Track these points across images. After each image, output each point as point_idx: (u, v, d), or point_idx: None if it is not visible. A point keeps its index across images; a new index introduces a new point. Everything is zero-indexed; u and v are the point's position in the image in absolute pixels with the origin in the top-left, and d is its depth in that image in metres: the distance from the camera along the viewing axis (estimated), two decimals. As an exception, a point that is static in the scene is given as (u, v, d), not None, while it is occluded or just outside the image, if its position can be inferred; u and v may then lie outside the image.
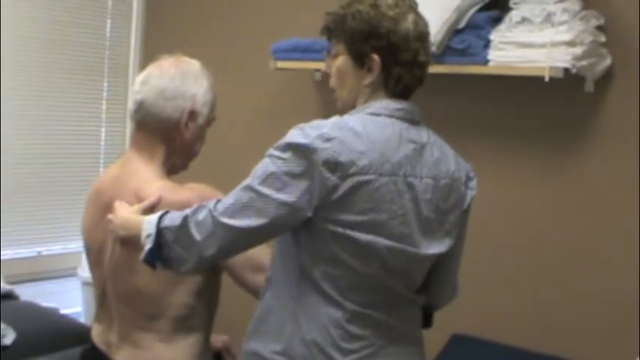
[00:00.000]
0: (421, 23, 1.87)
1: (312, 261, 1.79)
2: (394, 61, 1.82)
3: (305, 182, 1.71)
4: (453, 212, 1.91)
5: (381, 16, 1.82)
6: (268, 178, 1.72)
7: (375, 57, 1.82)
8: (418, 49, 1.84)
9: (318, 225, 1.75)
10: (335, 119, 1.79)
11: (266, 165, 1.74)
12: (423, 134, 1.87)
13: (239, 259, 1.98)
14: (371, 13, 1.82)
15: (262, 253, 1.97)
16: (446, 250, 1.91)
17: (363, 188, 1.73)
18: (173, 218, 1.80)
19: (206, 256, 1.77)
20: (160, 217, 1.81)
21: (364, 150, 1.73)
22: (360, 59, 1.84)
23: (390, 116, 1.82)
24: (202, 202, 1.91)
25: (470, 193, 1.95)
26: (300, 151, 1.71)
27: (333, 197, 1.72)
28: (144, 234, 1.81)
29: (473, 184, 1.97)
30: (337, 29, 1.88)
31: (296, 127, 1.78)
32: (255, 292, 2.04)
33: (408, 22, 1.83)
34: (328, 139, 1.71)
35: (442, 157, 1.89)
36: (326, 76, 1.93)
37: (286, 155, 1.72)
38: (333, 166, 1.71)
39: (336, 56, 1.89)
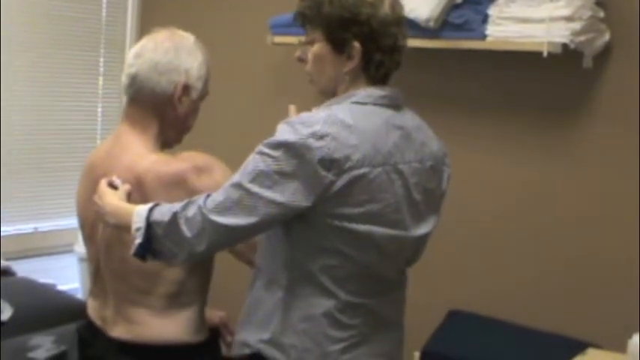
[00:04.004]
0: (397, 7, 1.86)
1: (309, 254, 1.80)
2: (375, 47, 1.81)
3: (296, 181, 1.70)
4: (436, 191, 1.93)
5: (360, 3, 1.79)
6: (258, 177, 1.71)
7: (356, 44, 1.80)
8: (397, 33, 1.83)
9: (315, 219, 1.76)
10: (324, 113, 1.76)
11: (256, 162, 1.72)
12: (407, 118, 1.88)
13: None
14: None
15: None
16: (431, 228, 1.93)
17: (359, 182, 1.73)
18: (163, 212, 1.78)
19: (196, 252, 1.77)
20: (150, 210, 1.80)
21: (357, 143, 1.73)
22: (339, 46, 1.82)
23: (375, 104, 1.82)
24: (197, 172, 1.91)
25: (447, 171, 1.98)
26: (292, 149, 1.70)
27: (330, 193, 1.72)
28: (134, 226, 1.80)
29: (448, 160, 1.98)
30: (313, 16, 1.84)
31: (284, 121, 1.76)
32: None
33: (386, 7, 1.81)
34: (321, 137, 1.70)
35: (426, 139, 1.90)
36: (301, 62, 1.90)
37: (277, 154, 1.71)
38: (328, 163, 1.70)
39: (312, 43, 1.86)
